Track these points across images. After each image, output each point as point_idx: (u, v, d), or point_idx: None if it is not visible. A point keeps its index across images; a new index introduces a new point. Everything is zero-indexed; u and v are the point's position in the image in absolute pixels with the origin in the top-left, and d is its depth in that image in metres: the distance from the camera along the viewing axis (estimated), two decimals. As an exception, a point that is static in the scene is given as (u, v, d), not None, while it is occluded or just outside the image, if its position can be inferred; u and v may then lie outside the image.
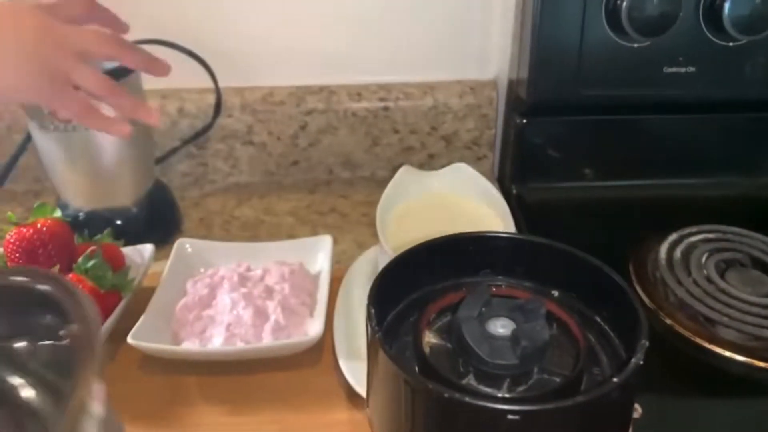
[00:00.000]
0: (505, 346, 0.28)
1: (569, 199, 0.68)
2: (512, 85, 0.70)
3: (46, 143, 0.57)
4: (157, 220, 0.64)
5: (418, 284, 0.31)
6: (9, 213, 0.48)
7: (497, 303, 0.30)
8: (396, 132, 0.73)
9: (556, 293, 0.32)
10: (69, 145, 0.56)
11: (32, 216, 0.48)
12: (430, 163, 0.75)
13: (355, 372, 0.41)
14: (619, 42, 0.59)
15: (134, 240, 0.55)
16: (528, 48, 0.61)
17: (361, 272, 0.51)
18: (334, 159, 0.75)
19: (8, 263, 0.46)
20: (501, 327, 0.28)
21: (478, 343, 0.28)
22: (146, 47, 0.60)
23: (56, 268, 0.44)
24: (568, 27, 0.59)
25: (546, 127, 0.66)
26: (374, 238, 0.64)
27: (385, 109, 0.72)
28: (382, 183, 0.74)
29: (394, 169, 0.74)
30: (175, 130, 0.71)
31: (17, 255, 0.46)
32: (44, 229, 0.47)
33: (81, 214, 0.60)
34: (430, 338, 0.29)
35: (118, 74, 0.55)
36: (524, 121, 0.66)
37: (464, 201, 0.44)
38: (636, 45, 0.59)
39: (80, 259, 0.46)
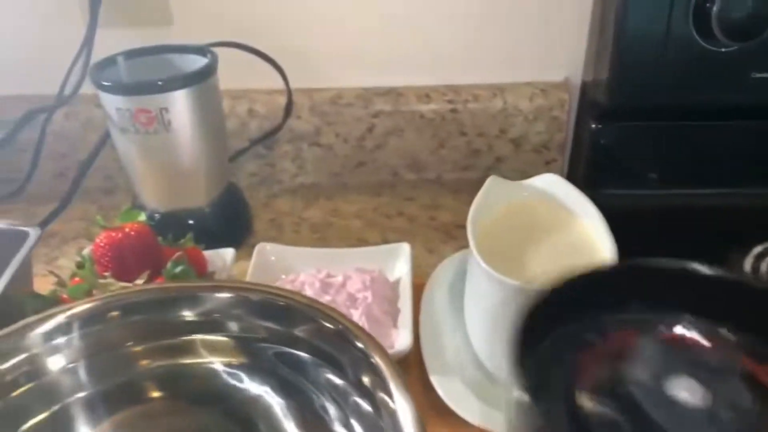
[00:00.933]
0: (698, 418, 0.22)
1: (644, 206, 0.66)
2: (586, 87, 0.68)
3: (125, 145, 0.57)
4: (230, 221, 0.64)
5: (557, 325, 0.27)
6: (98, 216, 0.48)
7: (672, 354, 0.25)
8: (463, 134, 0.73)
9: (723, 331, 0.28)
10: (148, 147, 0.56)
11: (119, 220, 0.48)
12: (497, 166, 0.74)
13: (446, 386, 0.41)
14: (705, 46, 0.57)
15: (207, 241, 0.55)
16: (609, 50, 0.59)
17: (442, 280, 0.50)
18: (400, 161, 0.74)
19: (97, 266, 0.47)
20: (686, 390, 0.23)
21: (664, 418, 0.22)
22: (218, 50, 0.61)
23: (146, 274, 0.45)
24: (652, 29, 0.57)
25: (622, 132, 0.64)
26: (443, 243, 0.64)
27: (454, 111, 0.71)
28: (448, 186, 0.74)
29: (460, 172, 0.75)
30: (244, 131, 0.72)
31: (107, 258, 0.47)
32: (132, 233, 0.47)
33: (157, 214, 0.61)
34: (585, 400, 0.24)
35: (199, 77, 0.55)
36: (599, 125, 0.64)
37: (557, 213, 0.43)
38: (723, 49, 0.57)
39: (169, 265, 0.46)
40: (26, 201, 0.71)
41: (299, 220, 0.69)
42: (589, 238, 0.41)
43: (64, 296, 0.45)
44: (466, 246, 0.62)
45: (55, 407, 0.31)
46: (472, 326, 0.44)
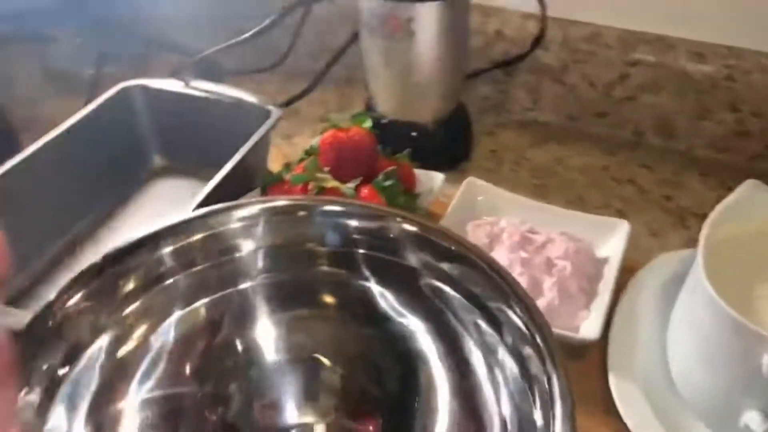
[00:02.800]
0: None
1: None
2: None
3: (370, 45, 0.58)
4: (451, 142, 0.63)
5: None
6: (330, 115, 0.50)
7: None
8: (734, 110, 0.62)
9: None
10: (390, 52, 0.56)
11: (349, 122, 0.50)
12: (765, 155, 0.63)
13: (624, 394, 0.37)
14: None
15: (424, 157, 0.55)
16: None
17: (656, 275, 0.45)
18: (648, 121, 0.66)
19: (320, 160, 0.49)
20: None
21: None
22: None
23: (359, 180, 0.46)
24: None
25: None
26: (672, 228, 0.57)
27: (729, 78, 0.61)
28: (697, 163, 0.64)
29: (717, 152, 0.64)
30: (487, 51, 0.69)
31: (328, 156, 0.49)
32: (356, 138, 0.49)
33: (385, 120, 0.62)
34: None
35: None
36: None
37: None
38: None
39: (380, 176, 0.47)
40: (281, 76, 0.76)
41: (521, 159, 0.65)
42: None
43: (287, 178, 0.48)
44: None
45: (230, 290, 0.34)
46: (676, 348, 0.39)
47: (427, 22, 0.53)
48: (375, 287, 0.33)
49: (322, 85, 0.72)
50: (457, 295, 0.31)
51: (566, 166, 0.64)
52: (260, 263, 0.34)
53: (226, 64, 0.76)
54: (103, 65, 0.70)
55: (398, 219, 0.32)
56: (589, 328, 0.41)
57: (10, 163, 0.49)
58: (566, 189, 0.61)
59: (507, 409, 0.29)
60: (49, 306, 0.29)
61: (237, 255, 0.34)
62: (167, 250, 0.32)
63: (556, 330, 0.40)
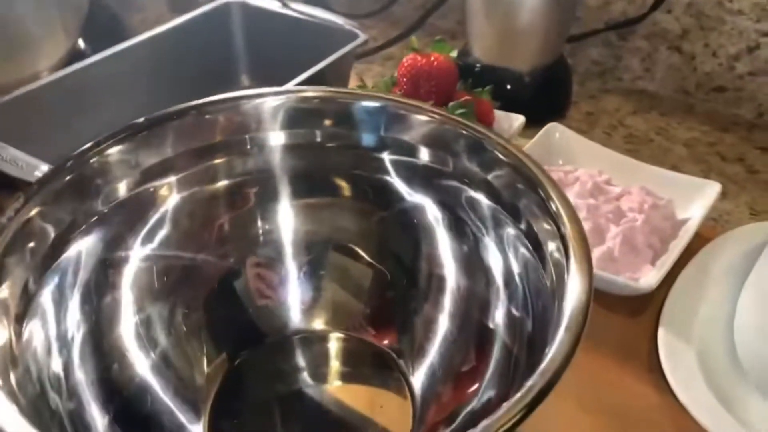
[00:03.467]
0: None
1: None
2: None
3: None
4: (545, 98, 0.60)
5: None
6: (412, 38, 0.49)
7: None
8: None
9: None
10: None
11: (431, 48, 0.48)
12: None
13: (672, 352, 0.33)
14: None
15: (512, 108, 0.53)
16: None
17: (738, 242, 0.40)
18: (774, 101, 0.59)
19: (398, 83, 0.48)
20: None
21: None
22: None
23: (430, 103, 0.45)
24: None
25: None
26: (777, 212, 0.51)
27: None
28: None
29: None
30: (603, 12, 0.64)
31: (405, 79, 0.48)
32: (435, 63, 0.47)
33: (478, 65, 0.59)
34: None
35: None
36: None
37: None
38: None
39: (452, 104, 0.46)
40: (386, 22, 0.76)
41: (618, 125, 0.61)
42: None
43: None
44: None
45: (255, 173, 0.34)
46: (745, 315, 0.35)
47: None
48: (396, 180, 0.33)
49: (424, 35, 0.71)
50: (482, 197, 0.30)
51: (667, 136, 0.59)
52: (283, 153, 0.34)
53: (335, 5, 0.77)
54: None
55: (423, 111, 0.31)
56: (647, 278, 0.37)
57: (94, 58, 0.50)
58: (660, 158, 0.56)
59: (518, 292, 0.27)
60: (72, 159, 0.29)
61: (260, 142, 0.34)
62: (189, 128, 0.33)
63: (605, 274, 0.37)
